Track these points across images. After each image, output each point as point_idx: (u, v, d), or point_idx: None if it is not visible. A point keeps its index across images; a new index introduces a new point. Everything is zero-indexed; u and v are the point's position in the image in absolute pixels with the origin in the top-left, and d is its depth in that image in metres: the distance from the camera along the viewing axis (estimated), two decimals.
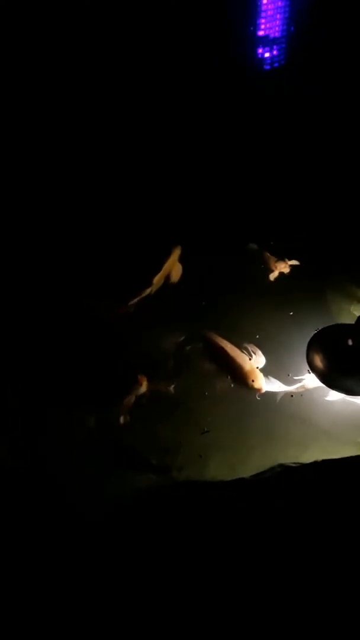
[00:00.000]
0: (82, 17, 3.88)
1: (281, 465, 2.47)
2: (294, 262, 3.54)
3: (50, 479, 2.58)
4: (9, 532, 2.27)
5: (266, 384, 2.88)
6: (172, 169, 4.07)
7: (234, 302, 3.37)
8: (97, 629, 1.92)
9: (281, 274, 3.51)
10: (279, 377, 2.94)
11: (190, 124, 4.18)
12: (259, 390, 2.86)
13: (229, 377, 2.95)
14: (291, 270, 3.53)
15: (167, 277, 3.51)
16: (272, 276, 3.50)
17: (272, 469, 2.46)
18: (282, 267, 3.51)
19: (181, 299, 3.40)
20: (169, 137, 4.12)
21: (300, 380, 2.93)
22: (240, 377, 2.92)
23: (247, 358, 2.97)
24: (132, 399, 2.86)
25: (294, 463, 2.48)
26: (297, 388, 2.92)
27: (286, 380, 2.94)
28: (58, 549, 2.19)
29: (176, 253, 3.56)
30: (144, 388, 2.88)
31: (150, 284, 3.40)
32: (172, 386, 2.92)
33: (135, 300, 3.34)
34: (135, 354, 3.10)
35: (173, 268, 3.53)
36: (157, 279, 3.45)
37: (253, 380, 2.88)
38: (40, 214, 3.80)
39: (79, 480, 2.57)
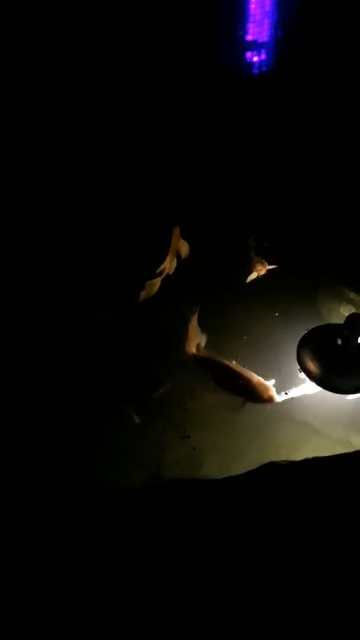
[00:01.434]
0: (67, 20, 3.90)
1: (272, 464, 2.49)
2: (272, 267, 3.54)
3: (46, 473, 2.62)
4: (6, 529, 2.29)
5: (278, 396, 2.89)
6: (161, 174, 4.09)
7: (225, 303, 3.40)
8: (92, 625, 1.94)
9: (268, 275, 3.53)
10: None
11: (181, 127, 4.20)
12: (272, 401, 2.85)
13: (241, 396, 2.91)
14: (281, 272, 3.55)
15: (178, 255, 3.57)
16: (249, 278, 3.52)
17: (263, 467, 2.48)
18: (259, 270, 3.51)
19: (172, 299, 3.42)
20: (158, 139, 4.14)
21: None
22: (251, 391, 2.88)
23: (252, 373, 2.95)
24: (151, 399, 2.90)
25: (285, 461, 2.50)
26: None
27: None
28: (53, 546, 2.21)
29: (177, 231, 3.60)
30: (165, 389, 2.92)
31: (162, 268, 3.47)
32: (168, 385, 2.94)
33: (155, 283, 3.40)
34: (130, 355, 3.12)
35: (179, 245, 3.58)
36: (169, 260, 3.51)
37: (265, 392, 2.87)
38: (37, 214, 3.82)
39: (75, 477, 2.60)
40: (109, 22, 3.94)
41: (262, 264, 3.54)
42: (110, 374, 3.02)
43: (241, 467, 2.54)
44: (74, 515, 2.37)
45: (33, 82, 3.95)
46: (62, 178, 3.99)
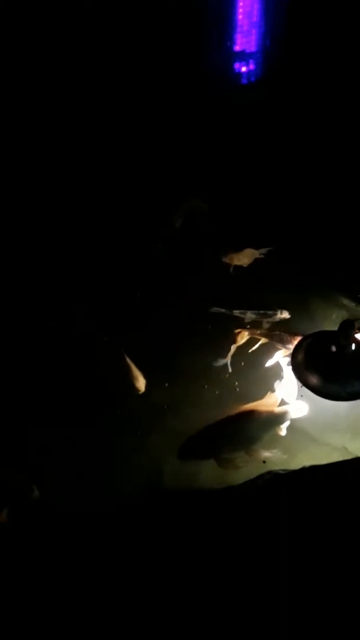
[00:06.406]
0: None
1: (270, 473, 2.49)
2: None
3: (44, 482, 2.61)
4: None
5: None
6: (156, 182, 4.11)
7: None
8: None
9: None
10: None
11: (172, 138, 4.22)
12: None
13: None
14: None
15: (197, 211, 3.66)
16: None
17: (261, 476, 2.48)
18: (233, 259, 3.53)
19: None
20: (148, 153, 4.16)
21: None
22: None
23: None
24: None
25: (283, 470, 2.50)
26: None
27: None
28: (51, 559, 2.21)
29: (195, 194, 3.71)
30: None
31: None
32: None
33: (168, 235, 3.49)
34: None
35: (196, 205, 3.68)
36: (178, 214, 3.62)
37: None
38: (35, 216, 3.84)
39: (69, 488, 2.59)
40: (101, 34, 3.97)
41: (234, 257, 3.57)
42: (109, 382, 3.01)
43: (239, 477, 2.55)
44: (73, 526, 2.37)
45: (31, 82, 3.97)
46: (55, 187, 4.01)
